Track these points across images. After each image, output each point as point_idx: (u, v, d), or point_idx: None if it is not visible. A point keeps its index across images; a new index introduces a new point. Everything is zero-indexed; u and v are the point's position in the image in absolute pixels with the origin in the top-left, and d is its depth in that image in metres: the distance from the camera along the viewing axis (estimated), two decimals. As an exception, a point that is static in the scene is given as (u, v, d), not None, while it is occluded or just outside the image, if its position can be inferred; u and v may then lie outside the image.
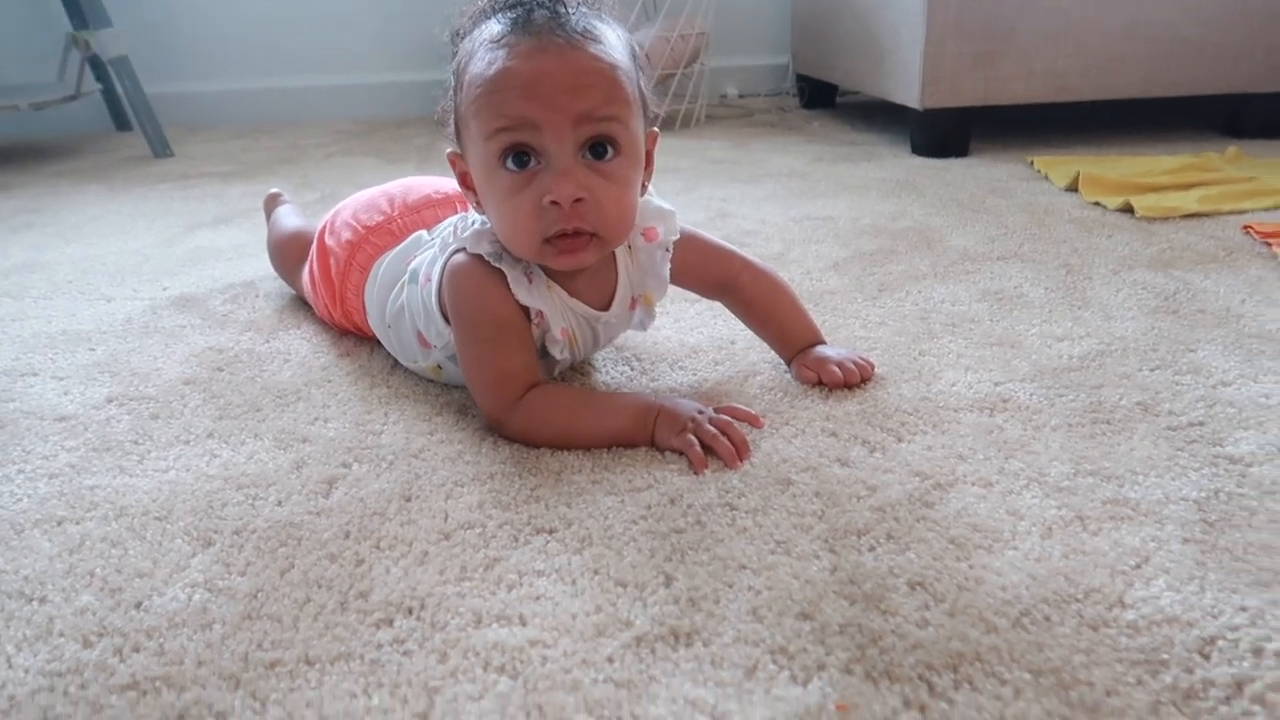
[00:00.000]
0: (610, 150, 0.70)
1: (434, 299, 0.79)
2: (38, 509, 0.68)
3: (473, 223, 0.78)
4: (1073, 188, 1.51)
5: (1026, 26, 1.76)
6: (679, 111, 2.33)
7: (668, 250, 0.82)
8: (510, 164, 0.70)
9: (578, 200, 0.69)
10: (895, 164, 1.81)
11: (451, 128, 0.75)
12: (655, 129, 0.78)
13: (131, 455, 0.75)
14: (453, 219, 0.83)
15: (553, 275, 0.78)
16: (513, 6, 0.71)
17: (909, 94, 1.84)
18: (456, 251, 0.77)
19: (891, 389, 0.82)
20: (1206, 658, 0.49)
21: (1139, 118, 2.06)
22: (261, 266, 1.24)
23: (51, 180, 1.94)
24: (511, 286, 0.75)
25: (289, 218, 1.18)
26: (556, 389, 0.78)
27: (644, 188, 0.77)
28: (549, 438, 0.74)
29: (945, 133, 1.84)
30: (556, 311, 0.78)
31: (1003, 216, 1.38)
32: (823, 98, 2.56)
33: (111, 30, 2.08)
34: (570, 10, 0.70)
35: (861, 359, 0.84)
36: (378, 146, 2.19)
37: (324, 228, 0.99)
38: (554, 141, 0.68)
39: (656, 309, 0.86)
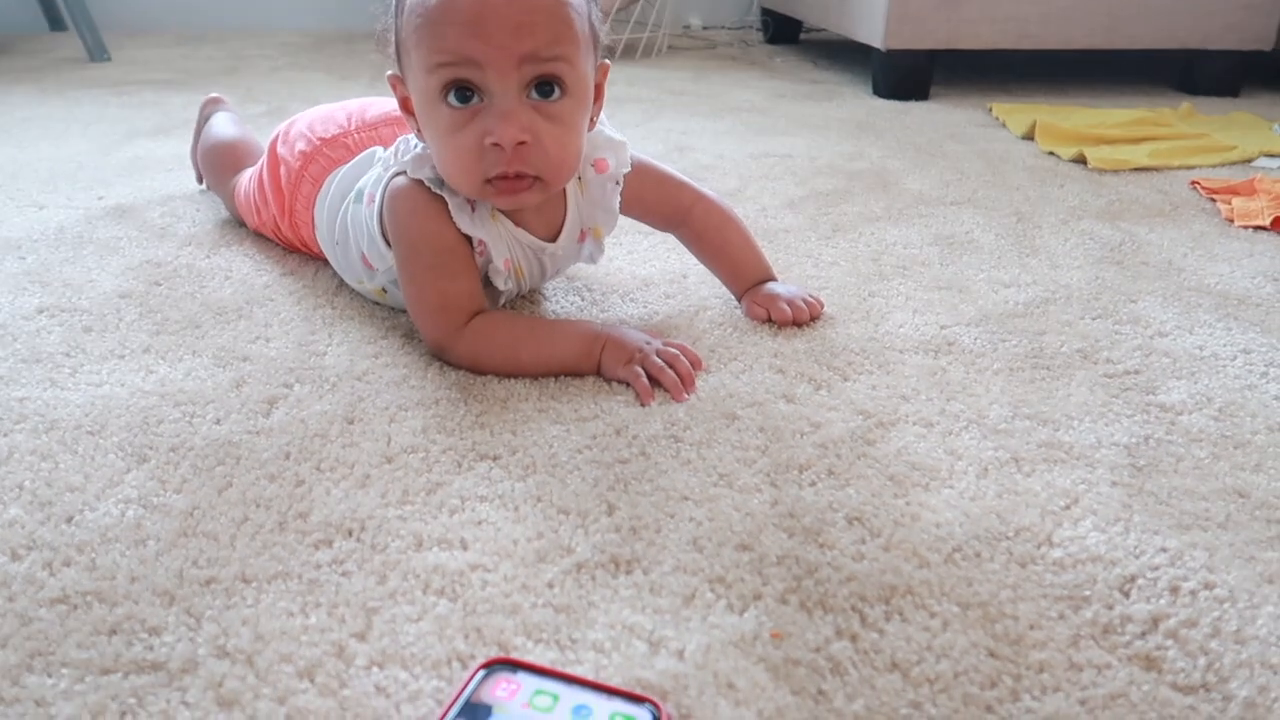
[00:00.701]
0: (556, 90, 0.69)
1: (375, 221, 0.78)
2: (-37, 420, 0.65)
3: (415, 146, 0.76)
4: (1029, 136, 1.52)
5: (993, -30, 1.74)
6: (640, 40, 2.29)
7: (618, 183, 0.81)
8: (452, 99, 0.68)
9: (520, 143, 0.67)
10: (856, 104, 1.80)
11: (392, 49, 0.72)
12: (606, 61, 0.76)
13: (63, 368, 0.73)
14: (402, 138, 0.81)
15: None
16: None
17: (873, 33, 1.82)
18: (398, 175, 0.75)
19: (840, 328, 0.82)
20: (1126, 595, 0.50)
21: (1097, 70, 2.07)
22: (203, 179, 1.19)
23: (-21, 79, 1.85)
24: (453, 214, 0.73)
25: (226, 125, 1.13)
26: (501, 315, 0.77)
27: (593, 121, 0.76)
28: (494, 365, 0.73)
29: (907, 75, 1.83)
30: (500, 241, 0.77)
31: (959, 162, 1.38)
32: (787, 33, 2.53)
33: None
34: None
35: (811, 297, 0.85)
36: (327, 62, 2.12)
37: (277, 136, 0.95)
38: (497, 81, 0.66)
39: (606, 242, 0.85)
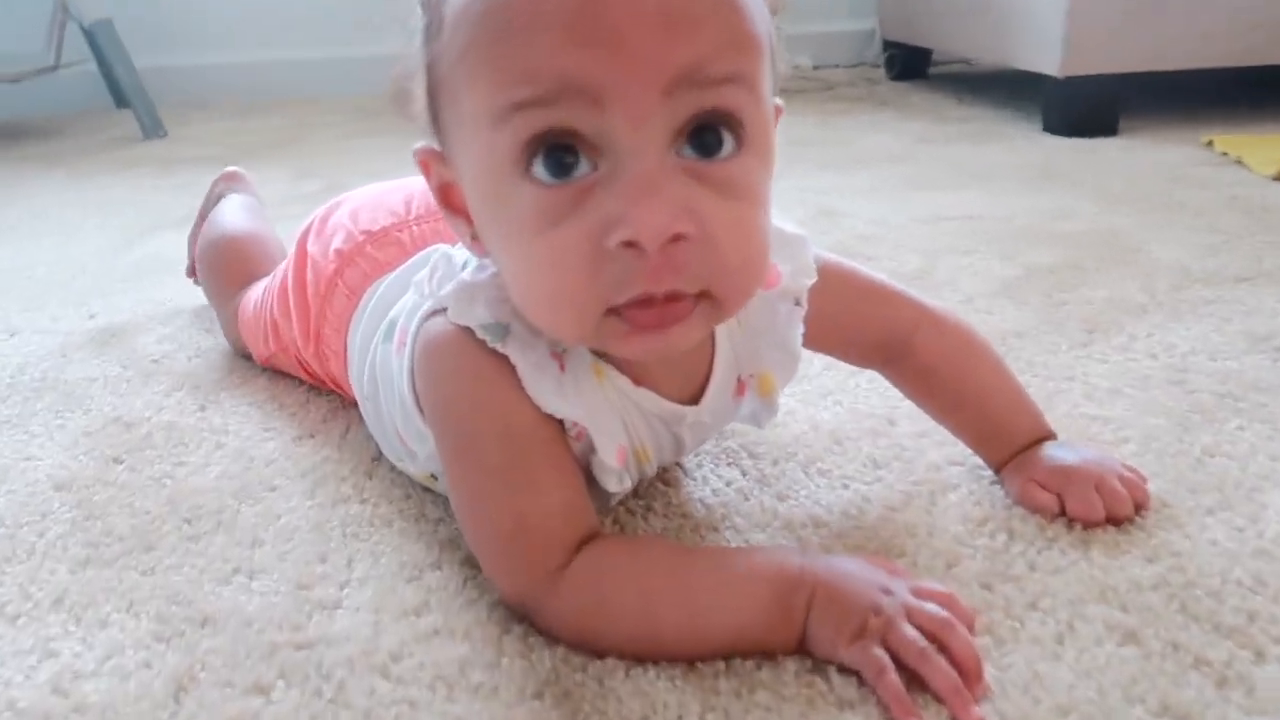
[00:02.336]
0: (729, 142, 0.38)
1: (406, 379, 0.48)
2: None
3: (461, 264, 0.46)
4: (1286, 177, 1.15)
5: (1199, -29, 1.39)
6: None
7: (799, 303, 0.49)
8: (539, 170, 0.38)
9: (676, 238, 0.37)
10: (1026, 145, 1.45)
11: (423, 102, 0.43)
12: (778, 102, 0.44)
13: (-87, 648, 0.45)
14: (441, 251, 0.51)
15: (605, 355, 0.46)
16: None
17: (1044, 58, 1.48)
18: (434, 314, 0.46)
19: (1189, 529, 0.49)
20: None
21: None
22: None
23: (16, 165, 1.66)
24: (526, 386, 0.43)
25: (237, 214, 0.85)
26: (623, 546, 0.46)
27: None
28: (616, 637, 0.42)
29: (1091, 106, 1.47)
30: (610, 418, 0.46)
31: (1210, 217, 1.02)
32: (914, 69, 2.20)
33: (89, -11, 1.78)
34: None
35: (1127, 470, 0.51)
36: (399, 125, 1.88)
37: (310, 226, 0.67)
38: (628, 125, 0.36)
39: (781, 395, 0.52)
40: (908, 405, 0.60)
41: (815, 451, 0.58)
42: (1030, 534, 0.49)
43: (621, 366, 0.46)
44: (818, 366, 0.69)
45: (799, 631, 0.41)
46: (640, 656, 0.41)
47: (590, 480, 0.47)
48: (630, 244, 0.36)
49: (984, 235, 1.00)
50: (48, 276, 1.01)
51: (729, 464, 0.57)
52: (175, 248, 1.09)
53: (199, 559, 0.50)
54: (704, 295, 0.39)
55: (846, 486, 0.54)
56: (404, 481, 0.57)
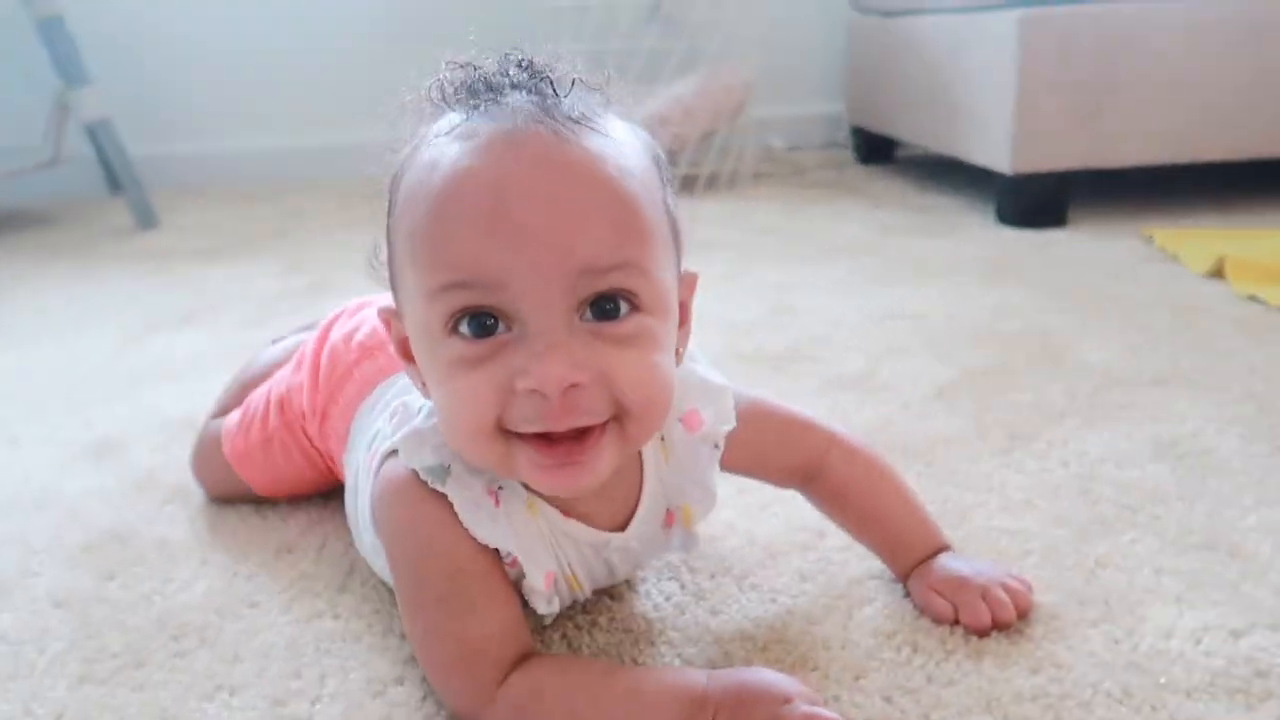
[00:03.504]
0: (625, 307, 0.45)
1: (367, 504, 0.54)
2: None
3: (417, 410, 0.53)
4: (1216, 274, 1.23)
5: (1136, 76, 1.48)
6: (720, 171, 2.08)
7: (717, 446, 0.56)
8: (465, 328, 0.45)
9: (573, 386, 0.43)
10: (982, 237, 1.53)
11: (387, 271, 0.50)
12: (693, 271, 0.52)
13: (-73, 767, 0.50)
14: (401, 401, 0.57)
15: (538, 491, 0.52)
16: (473, 89, 0.46)
17: (995, 156, 1.57)
18: (392, 453, 0.52)
19: (1072, 640, 0.54)
20: None
21: (1273, 182, 1.74)
22: (215, 389, 0.97)
23: (16, 259, 1.73)
24: (462, 519, 0.49)
25: (276, 352, 0.86)
26: (553, 667, 0.51)
27: (679, 353, 0.52)
28: None
29: (1040, 200, 1.56)
30: (539, 547, 0.52)
31: (1138, 315, 1.10)
32: (881, 152, 2.30)
33: (90, 89, 1.87)
34: (559, 91, 0.45)
35: (1012, 579, 0.57)
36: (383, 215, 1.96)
37: (338, 315, 0.73)
38: (532, 306, 0.44)
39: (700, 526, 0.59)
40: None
41: (749, 566, 0.64)
42: (931, 647, 0.54)
43: (553, 501, 0.52)
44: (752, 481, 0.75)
45: None
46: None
47: (524, 603, 0.53)
48: (534, 391, 0.43)
49: (927, 335, 1.07)
50: (48, 384, 1.07)
51: (670, 578, 0.63)
52: (169, 350, 1.16)
53: (185, 675, 0.56)
54: (613, 420, 0.45)
55: (774, 600, 0.60)
56: (374, 596, 0.63)
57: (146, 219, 1.92)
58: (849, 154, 2.39)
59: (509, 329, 0.44)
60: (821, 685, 0.52)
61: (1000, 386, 0.92)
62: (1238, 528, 0.65)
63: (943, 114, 1.76)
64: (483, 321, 0.44)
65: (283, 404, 0.73)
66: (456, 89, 0.47)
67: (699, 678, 0.48)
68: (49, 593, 0.65)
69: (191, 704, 0.53)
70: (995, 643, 0.54)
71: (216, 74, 2.39)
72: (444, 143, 0.45)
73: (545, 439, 0.45)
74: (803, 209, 1.84)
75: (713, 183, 2.06)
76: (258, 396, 0.76)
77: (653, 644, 0.57)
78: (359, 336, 0.69)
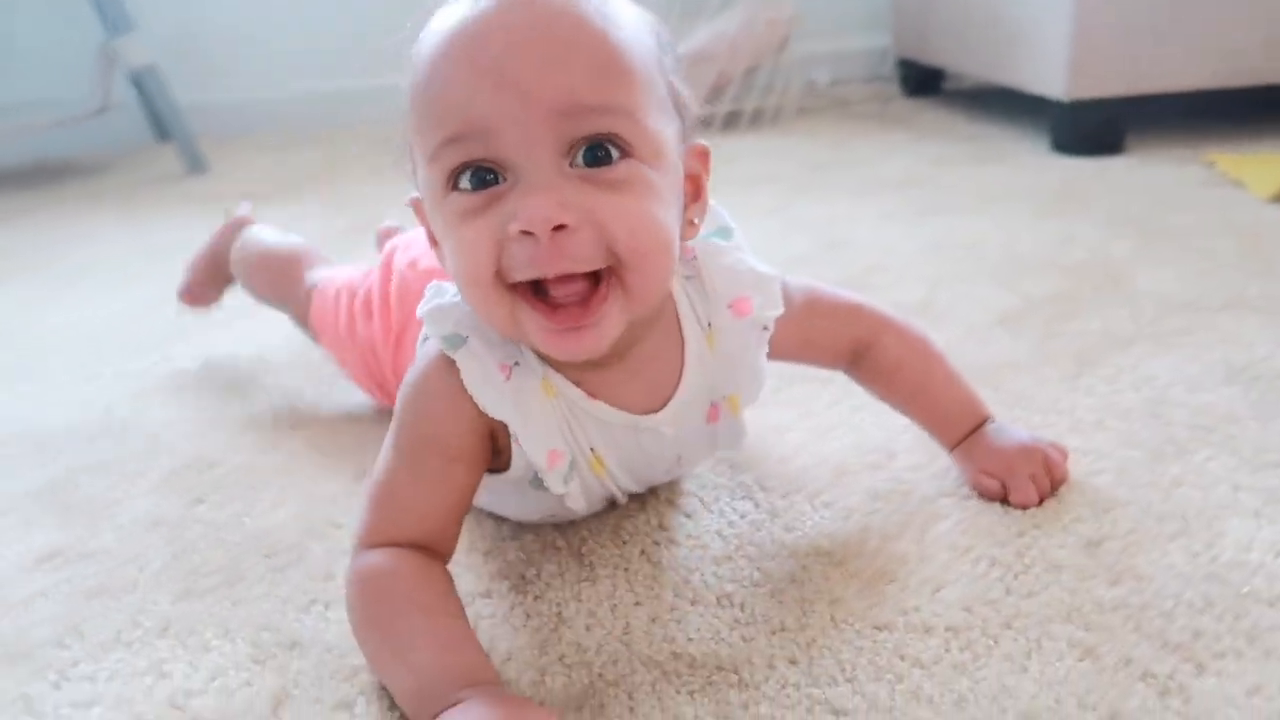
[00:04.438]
0: (616, 153, 0.45)
1: None
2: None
3: (450, 291, 0.54)
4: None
5: (1198, -5, 1.44)
6: (764, 108, 2.05)
7: (766, 329, 0.56)
8: (465, 182, 0.46)
9: (560, 227, 0.44)
10: (1036, 165, 1.51)
11: (410, 160, 0.51)
12: (702, 143, 0.52)
13: (47, 672, 0.52)
14: (433, 284, 0.59)
15: (560, 370, 0.53)
16: None
17: (1050, 82, 1.53)
18: (426, 339, 0.55)
19: (1152, 554, 0.55)
20: None
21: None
22: (283, 328, 0.99)
23: (70, 205, 1.76)
24: (466, 384, 0.51)
25: (272, 233, 0.92)
26: (407, 571, 0.49)
27: (693, 225, 0.52)
28: (360, 637, 0.50)
29: (1097, 127, 1.53)
30: (547, 425, 0.53)
31: (1202, 241, 1.08)
32: (929, 84, 2.25)
33: (133, 37, 1.88)
34: None
35: (1051, 446, 0.63)
36: (430, 155, 1.96)
37: (395, 246, 0.75)
38: (519, 150, 0.44)
39: (745, 415, 0.59)
40: (906, 439, 0.67)
41: (820, 485, 0.65)
42: (1009, 560, 0.55)
43: (578, 381, 0.53)
44: (824, 401, 0.75)
45: None
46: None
47: (536, 484, 0.54)
48: (526, 233, 0.44)
49: (986, 264, 1.06)
50: (112, 324, 1.10)
51: (743, 497, 0.64)
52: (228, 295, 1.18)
53: (281, 589, 0.58)
54: (611, 278, 0.46)
55: (848, 518, 0.61)
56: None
57: (196, 165, 1.94)
58: (895, 87, 2.34)
59: (505, 180, 0.45)
60: (900, 598, 0.53)
61: (1064, 313, 0.91)
62: (1315, 446, 0.65)
63: (994, 41, 1.72)
64: (482, 176, 0.45)
65: (352, 321, 0.76)
66: None
67: (455, 674, 0.45)
68: (144, 515, 0.67)
69: (290, 616, 0.55)
70: (1072, 556, 0.55)
71: (259, 19, 2.38)
72: (439, 14, 0.47)
73: (549, 305, 0.46)
74: (849, 143, 1.81)
75: (757, 119, 2.03)
76: (332, 293, 0.79)
77: (730, 559, 0.58)
78: (424, 263, 0.71)
